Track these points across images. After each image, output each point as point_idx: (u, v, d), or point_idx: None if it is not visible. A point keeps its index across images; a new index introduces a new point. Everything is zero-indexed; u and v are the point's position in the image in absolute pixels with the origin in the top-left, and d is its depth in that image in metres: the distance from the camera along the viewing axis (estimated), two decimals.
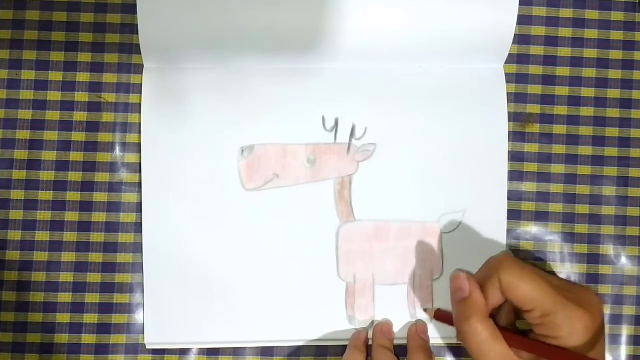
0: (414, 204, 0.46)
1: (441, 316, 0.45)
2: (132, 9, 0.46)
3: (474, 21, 0.45)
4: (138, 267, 0.45)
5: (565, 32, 0.48)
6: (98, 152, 0.46)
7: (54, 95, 0.46)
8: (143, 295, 0.45)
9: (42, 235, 0.45)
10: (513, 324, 0.44)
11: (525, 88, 0.48)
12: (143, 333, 0.45)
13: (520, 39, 0.48)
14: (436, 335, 0.46)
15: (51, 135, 0.46)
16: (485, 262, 0.43)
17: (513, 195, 0.47)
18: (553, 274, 0.43)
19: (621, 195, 0.48)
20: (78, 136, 0.46)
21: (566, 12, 0.48)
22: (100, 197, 0.46)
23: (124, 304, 0.46)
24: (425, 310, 0.46)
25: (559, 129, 0.48)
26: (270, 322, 0.45)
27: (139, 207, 0.46)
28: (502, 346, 0.39)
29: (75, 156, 0.46)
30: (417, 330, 0.45)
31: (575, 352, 0.39)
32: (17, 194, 0.46)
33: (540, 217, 0.47)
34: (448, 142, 0.46)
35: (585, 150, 0.48)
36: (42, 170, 0.46)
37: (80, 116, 0.46)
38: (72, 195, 0.46)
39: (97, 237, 0.46)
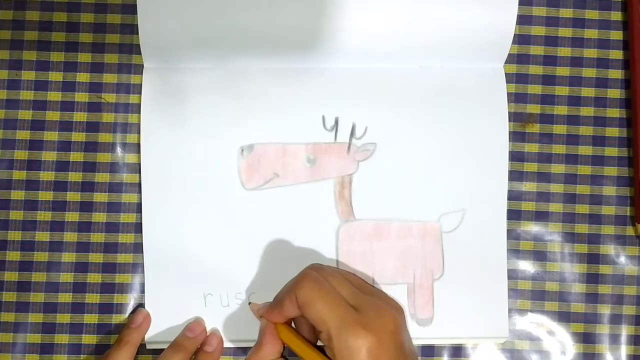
0: (414, 204, 0.46)
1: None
2: (132, 9, 0.46)
3: (473, 21, 0.45)
4: (138, 267, 0.45)
5: (565, 32, 0.48)
6: (98, 153, 0.46)
7: (54, 96, 0.46)
8: (143, 295, 0.45)
9: (42, 236, 0.45)
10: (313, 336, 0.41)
11: (525, 88, 0.48)
12: None
13: (520, 39, 0.48)
14: (436, 335, 0.46)
15: (51, 136, 0.46)
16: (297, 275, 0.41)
17: (513, 195, 0.47)
18: (364, 286, 0.40)
19: (621, 195, 0.48)
20: (78, 136, 0.46)
21: (566, 12, 0.48)
22: (100, 197, 0.46)
23: (124, 304, 0.45)
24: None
25: (559, 129, 0.48)
26: None
27: (139, 207, 0.46)
28: None
29: (76, 156, 0.46)
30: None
31: None
32: (17, 194, 0.46)
33: (540, 217, 0.47)
34: (448, 141, 0.46)
35: (585, 150, 0.48)
36: (42, 170, 0.46)
37: (80, 116, 0.46)
38: (72, 196, 0.46)
39: (97, 237, 0.46)
